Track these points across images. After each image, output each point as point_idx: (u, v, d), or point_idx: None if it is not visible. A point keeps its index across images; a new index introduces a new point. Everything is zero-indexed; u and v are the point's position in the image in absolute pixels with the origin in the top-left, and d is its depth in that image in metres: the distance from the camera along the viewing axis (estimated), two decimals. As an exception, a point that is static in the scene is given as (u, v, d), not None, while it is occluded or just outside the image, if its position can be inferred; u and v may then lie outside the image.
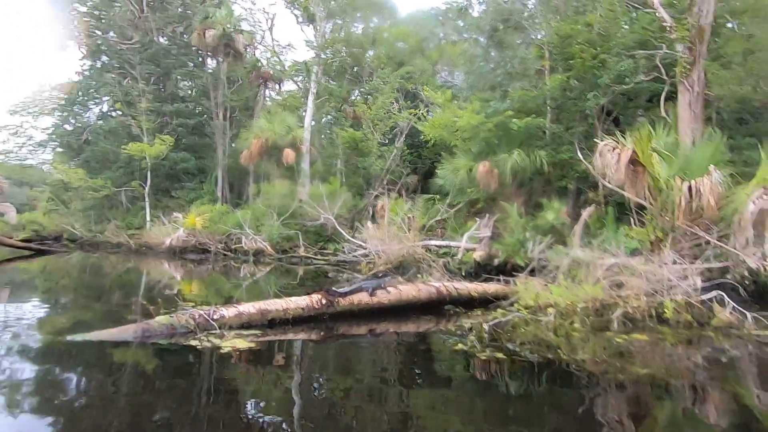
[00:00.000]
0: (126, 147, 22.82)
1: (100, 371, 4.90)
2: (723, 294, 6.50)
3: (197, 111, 26.56)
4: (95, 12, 26.76)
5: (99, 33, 26.73)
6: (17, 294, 10.84)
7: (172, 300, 8.12)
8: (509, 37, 15.60)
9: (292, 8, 23.17)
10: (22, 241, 23.07)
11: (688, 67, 10.68)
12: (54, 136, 29.07)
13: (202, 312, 5.77)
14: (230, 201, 23.99)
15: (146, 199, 23.74)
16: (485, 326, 6.18)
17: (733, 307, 6.35)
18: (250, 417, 3.87)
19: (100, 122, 27.74)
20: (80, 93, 27.59)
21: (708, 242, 8.38)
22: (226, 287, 11.95)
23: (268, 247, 17.68)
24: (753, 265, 7.60)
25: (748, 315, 6.31)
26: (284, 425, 3.71)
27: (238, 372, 4.94)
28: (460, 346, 5.58)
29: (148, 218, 23.33)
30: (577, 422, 3.83)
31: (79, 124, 28.27)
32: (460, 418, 3.89)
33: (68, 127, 28.42)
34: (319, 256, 16.94)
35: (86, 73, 27.77)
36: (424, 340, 6.68)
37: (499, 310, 7.09)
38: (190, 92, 27.74)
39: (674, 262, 7.48)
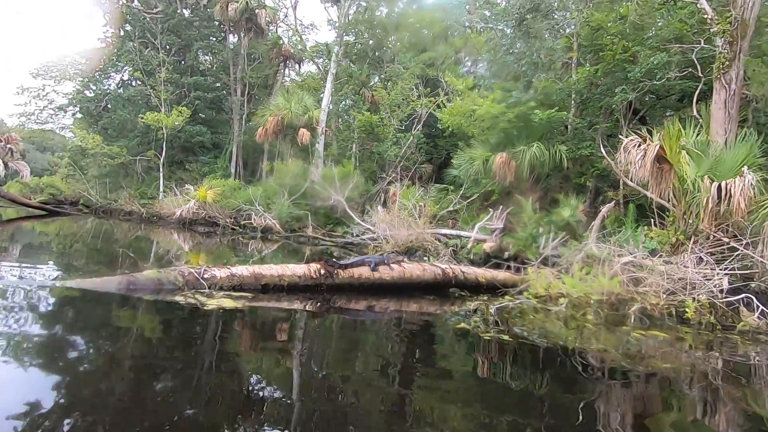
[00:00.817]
0: (143, 116, 22.86)
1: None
2: (752, 297, 5.99)
3: (216, 85, 26.45)
4: (122, -20, 26.73)
5: (124, 1, 26.71)
6: (33, 255, 10.77)
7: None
8: (537, 24, 15.00)
9: (318, -14, 22.81)
10: (40, 202, 23.66)
11: (727, 63, 10.06)
12: (74, 102, 29.30)
13: (192, 270, 5.50)
14: (243, 177, 23.89)
15: (161, 169, 23.76)
16: (491, 309, 5.80)
17: (762, 311, 5.86)
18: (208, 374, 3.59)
19: (120, 90, 27.85)
20: (101, 60, 27.65)
21: (731, 248, 7.85)
22: (233, 261, 11.75)
23: (277, 225, 17.55)
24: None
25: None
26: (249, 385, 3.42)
27: (216, 329, 4.66)
28: (462, 325, 5.24)
29: (161, 189, 23.35)
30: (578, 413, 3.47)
31: (100, 91, 28.46)
32: (454, 391, 3.57)
33: (89, 94, 28.61)
34: (327, 238, 16.70)
35: (109, 40, 27.83)
36: (424, 318, 6.34)
37: (507, 297, 6.71)
38: (209, 66, 27.62)
39: (699, 261, 6.98)
